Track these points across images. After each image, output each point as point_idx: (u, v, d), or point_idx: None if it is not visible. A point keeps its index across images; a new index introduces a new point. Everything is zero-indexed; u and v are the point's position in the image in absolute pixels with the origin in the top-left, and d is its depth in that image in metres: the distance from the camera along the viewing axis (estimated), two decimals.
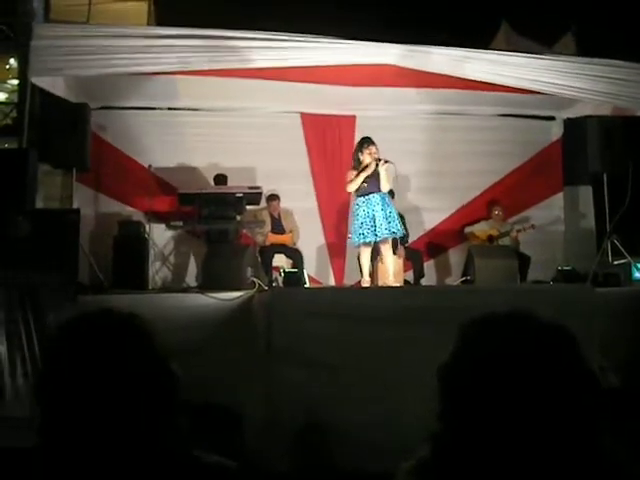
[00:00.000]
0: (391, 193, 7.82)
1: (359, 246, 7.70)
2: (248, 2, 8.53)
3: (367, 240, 7.50)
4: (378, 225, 7.38)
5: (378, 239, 7.47)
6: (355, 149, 7.75)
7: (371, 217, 7.42)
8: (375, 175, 7.50)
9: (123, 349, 1.39)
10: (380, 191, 7.49)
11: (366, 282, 7.74)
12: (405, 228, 8.26)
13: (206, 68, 7.93)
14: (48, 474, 1.33)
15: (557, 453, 1.20)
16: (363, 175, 7.49)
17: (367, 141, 7.64)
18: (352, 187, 7.57)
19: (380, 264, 7.99)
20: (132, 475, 1.32)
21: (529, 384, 1.23)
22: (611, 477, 1.24)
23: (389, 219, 7.42)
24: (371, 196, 7.47)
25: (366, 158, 7.53)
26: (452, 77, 8.19)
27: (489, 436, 1.23)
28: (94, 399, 1.31)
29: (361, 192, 7.55)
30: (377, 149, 7.55)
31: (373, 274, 7.92)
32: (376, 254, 7.87)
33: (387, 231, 7.40)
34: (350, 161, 9.02)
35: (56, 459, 1.33)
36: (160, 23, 8.91)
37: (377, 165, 7.44)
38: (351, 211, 8.22)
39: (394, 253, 7.93)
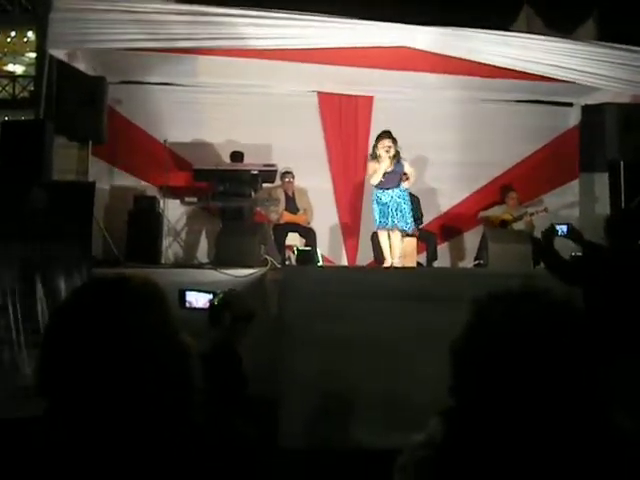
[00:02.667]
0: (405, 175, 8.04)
1: (378, 229, 7.96)
2: None
3: (382, 226, 7.78)
4: (395, 218, 7.68)
5: (394, 226, 7.72)
6: (374, 142, 7.91)
7: (387, 210, 7.71)
8: (393, 171, 7.71)
9: (140, 317, 1.39)
10: (398, 187, 7.75)
11: (388, 263, 7.86)
12: (420, 210, 8.31)
13: (226, 46, 7.95)
14: (57, 442, 1.34)
15: (569, 428, 1.21)
16: (383, 169, 7.67)
17: (383, 135, 7.82)
18: (375, 180, 7.77)
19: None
20: (137, 443, 1.33)
21: (542, 360, 1.23)
22: (622, 451, 1.24)
23: (402, 215, 7.72)
24: (390, 191, 7.72)
25: (380, 152, 7.71)
26: (471, 64, 8.15)
27: (501, 411, 1.23)
28: (101, 367, 1.32)
29: (380, 186, 7.77)
30: (393, 143, 7.71)
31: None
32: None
33: (402, 225, 7.73)
34: (366, 142, 9.03)
35: (64, 427, 1.34)
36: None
37: (391, 161, 7.70)
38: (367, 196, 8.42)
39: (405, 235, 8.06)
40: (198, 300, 2.89)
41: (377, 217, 7.79)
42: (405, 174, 7.85)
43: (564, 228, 4.85)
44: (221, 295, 2.95)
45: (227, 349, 3.09)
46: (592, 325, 1.29)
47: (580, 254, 8.22)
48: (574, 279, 4.59)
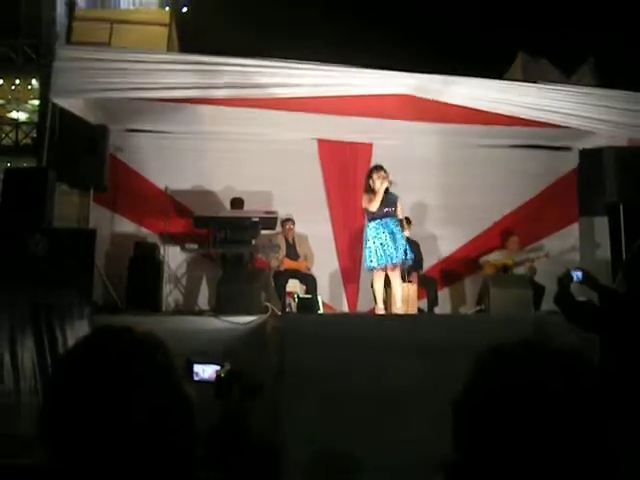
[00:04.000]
0: (407, 219, 7.95)
1: (372, 271, 7.78)
2: (265, 34, 8.66)
3: (380, 264, 7.54)
4: (393, 249, 7.46)
5: (390, 263, 7.52)
6: (367, 176, 7.83)
7: (385, 241, 7.49)
8: (389, 200, 7.62)
9: (144, 368, 1.39)
10: (394, 216, 7.63)
11: (380, 309, 7.72)
12: (420, 255, 8.27)
13: (226, 96, 8.05)
14: None
15: None
16: (381, 192, 7.55)
17: (377, 167, 7.76)
18: (375, 205, 7.57)
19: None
20: None
21: (547, 415, 1.22)
22: None
23: (403, 244, 7.56)
24: (388, 219, 7.59)
25: (376, 182, 7.60)
26: (469, 111, 8.22)
27: (508, 467, 1.22)
28: (106, 418, 1.31)
29: (376, 215, 7.62)
30: (386, 173, 7.63)
31: (387, 301, 7.89)
32: (389, 281, 7.87)
33: (400, 256, 7.50)
34: None
35: (65, 476, 1.33)
36: (182, 50, 9.03)
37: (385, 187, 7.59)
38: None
39: (404, 280, 7.97)
40: (205, 371, 2.85)
41: (373, 255, 7.53)
42: (401, 220, 7.78)
43: (579, 274, 4.84)
44: (228, 367, 2.90)
45: (236, 424, 3.02)
46: (606, 377, 1.28)
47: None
48: (593, 326, 4.54)
